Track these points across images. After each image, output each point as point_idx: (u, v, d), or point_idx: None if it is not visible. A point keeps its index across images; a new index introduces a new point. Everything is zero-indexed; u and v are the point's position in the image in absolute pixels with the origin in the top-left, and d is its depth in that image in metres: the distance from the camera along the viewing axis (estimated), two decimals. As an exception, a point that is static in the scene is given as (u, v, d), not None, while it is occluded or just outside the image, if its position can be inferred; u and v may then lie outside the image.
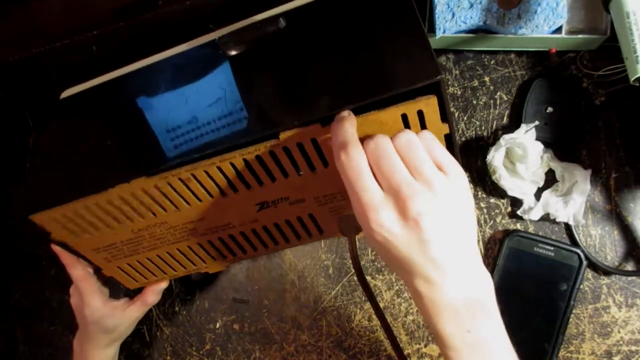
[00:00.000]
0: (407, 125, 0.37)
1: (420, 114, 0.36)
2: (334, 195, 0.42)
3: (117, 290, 0.52)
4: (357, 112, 0.36)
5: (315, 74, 0.40)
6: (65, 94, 0.52)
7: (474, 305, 0.32)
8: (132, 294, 0.53)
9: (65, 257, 0.48)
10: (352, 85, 0.37)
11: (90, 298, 0.49)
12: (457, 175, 0.33)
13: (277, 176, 0.40)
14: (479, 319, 0.32)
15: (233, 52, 0.45)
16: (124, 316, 0.52)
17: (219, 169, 0.39)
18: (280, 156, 0.38)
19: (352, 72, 0.38)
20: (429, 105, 0.35)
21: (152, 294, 0.52)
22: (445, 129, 0.37)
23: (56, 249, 0.47)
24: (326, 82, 0.39)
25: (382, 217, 0.32)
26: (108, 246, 0.45)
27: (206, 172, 0.39)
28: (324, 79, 0.39)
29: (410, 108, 0.35)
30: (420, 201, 0.31)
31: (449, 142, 0.38)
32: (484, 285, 0.33)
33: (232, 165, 0.39)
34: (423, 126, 0.37)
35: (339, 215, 0.44)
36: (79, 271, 0.49)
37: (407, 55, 0.37)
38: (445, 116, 0.36)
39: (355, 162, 0.32)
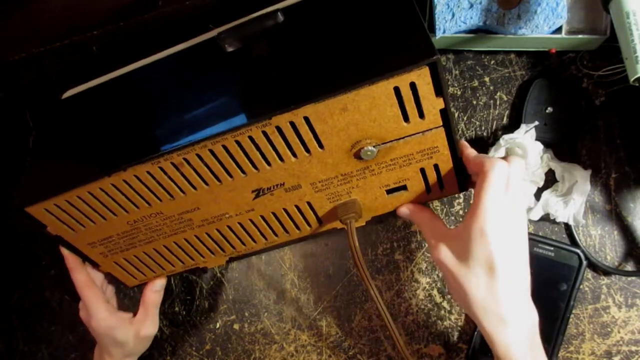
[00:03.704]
0: (400, 100, 0.36)
1: (413, 86, 0.36)
2: (330, 180, 0.42)
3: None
4: (351, 90, 0.36)
5: (310, 62, 0.41)
6: (67, 94, 0.53)
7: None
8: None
9: (70, 260, 0.48)
10: (346, 70, 0.38)
11: (94, 307, 0.49)
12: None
13: (271, 159, 0.40)
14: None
15: (232, 48, 0.44)
16: (132, 328, 0.51)
17: (211, 152, 0.39)
18: (273, 137, 0.38)
19: (348, 58, 0.38)
20: (421, 76, 0.35)
21: (151, 292, 0.51)
22: (440, 103, 0.37)
23: (63, 251, 0.47)
24: (321, 69, 0.39)
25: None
26: (104, 240, 0.45)
27: (198, 156, 0.39)
28: (319, 66, 0.40)
29: (402, 80, 0.35)
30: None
31: (445, 118, 0.38)
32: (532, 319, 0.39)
33: (225, 148, 0.39)
34: (417, 101, 0.37)
35: (337, 203, 0.44)
36: (82, 276, 0.48)
37: (403, 38, 0.37)
38: (440, 90, 0.36)
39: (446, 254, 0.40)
